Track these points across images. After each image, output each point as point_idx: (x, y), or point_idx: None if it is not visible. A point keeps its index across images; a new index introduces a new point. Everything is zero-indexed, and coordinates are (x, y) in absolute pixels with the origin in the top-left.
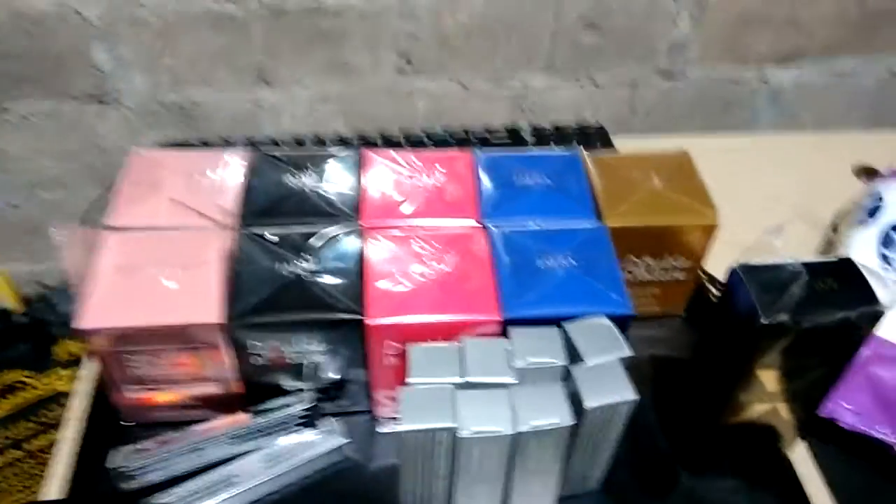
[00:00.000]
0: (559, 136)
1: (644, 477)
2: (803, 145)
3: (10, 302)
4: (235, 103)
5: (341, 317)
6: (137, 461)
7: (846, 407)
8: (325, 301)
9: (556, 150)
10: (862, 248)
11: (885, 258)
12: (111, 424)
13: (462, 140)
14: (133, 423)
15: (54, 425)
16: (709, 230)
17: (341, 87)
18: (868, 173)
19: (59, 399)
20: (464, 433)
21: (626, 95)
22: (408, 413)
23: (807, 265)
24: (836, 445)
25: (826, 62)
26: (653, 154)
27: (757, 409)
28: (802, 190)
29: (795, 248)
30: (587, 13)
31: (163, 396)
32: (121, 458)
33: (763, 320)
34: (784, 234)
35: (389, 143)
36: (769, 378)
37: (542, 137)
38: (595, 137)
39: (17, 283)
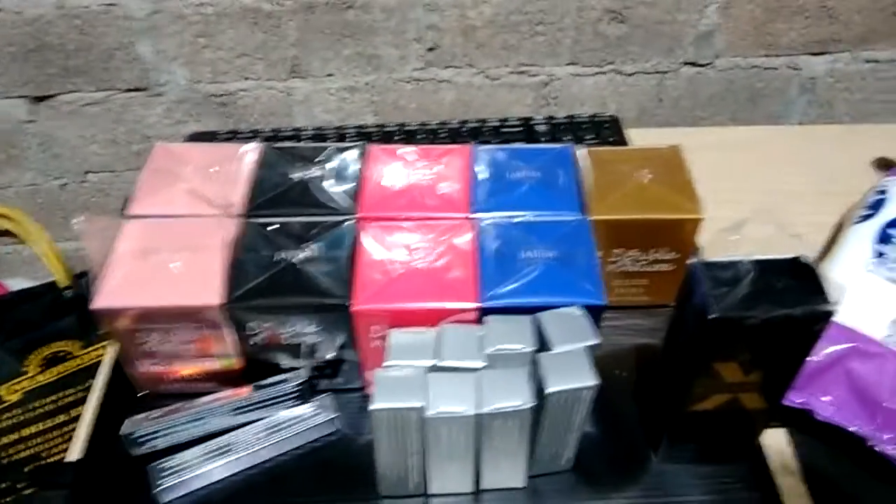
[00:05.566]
0: (572, 126)
1: (616, 460)
2: (833, 137)
3: (59, 276)
4: (270, 95)
5: (329, 302)
6: (147, 428)
7: (823, 400)
8: (316, 287)
9: (549, 146)
10: (857, 244)
11: (878, 254)
12: (128, 395)
13: (475, 130)
14: (147, 394)
15: None
16: (692, 224)
17: (369, 79)
18: (886, 166)
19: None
20: (430, 413)
21: (653, 85)
22: (380, 393)
23: (758, 263)
24: (809, 435)
25: (861, 51)
26: (644, 148)
27: (721, 399)
28: (822, 182)
29: (801, 243)
30: (612, 5)
31: (172, 370)
32: (132, 425)
33: (711, 314)
34: (743, 231)
35: (408, 133)
36: (732, 370)
37: (554, 128)
38: (607, 128)
39: (66, 259)
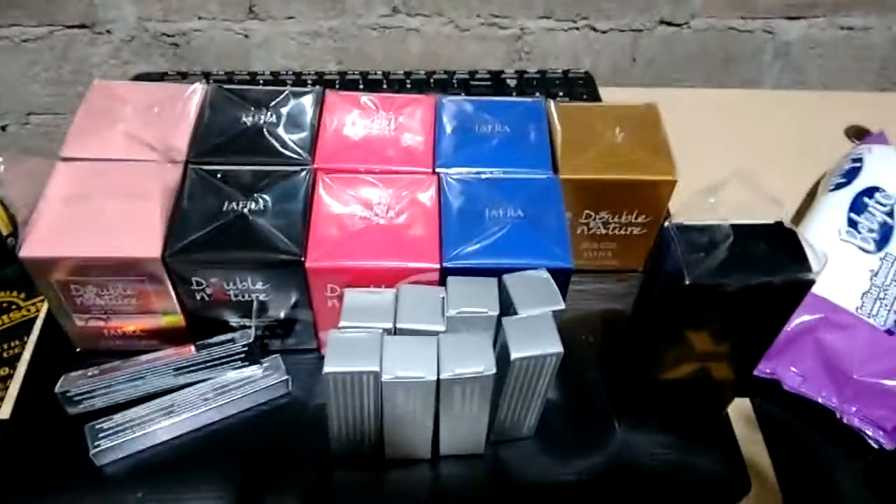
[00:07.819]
0: (544, 82)
1: (579, 427)
2: (805, 103)
3: (2, 224)
4: (226, 36)
5: (281, 257)
6: (83, 386)
7: (792, 370)
8: (266, 241)
9: (520, 99)
10: (831, 212)
11: (852, 223)
12: (64, 352)
13: (443, 82)
14: (85, 351)
15: None
16: (666, 186)
17: (333, 24)
18: (859, 135)
19: None
20: (386, 377)
21: (628, 44)
22: (334, 355)
23: (736, 227)
24: (776, 405)
25: (836, 17)
26: (619, 105)
27: (690, 368)
28: (795, 149)
29: (781, 208)
30: None
31: (111, 326)
32: (68, 383)
33: (688, 281)
34: (721, 194)
35: (372, 83)
36: (703, 339)
37: (526, 83)
38: (581, 85)
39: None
